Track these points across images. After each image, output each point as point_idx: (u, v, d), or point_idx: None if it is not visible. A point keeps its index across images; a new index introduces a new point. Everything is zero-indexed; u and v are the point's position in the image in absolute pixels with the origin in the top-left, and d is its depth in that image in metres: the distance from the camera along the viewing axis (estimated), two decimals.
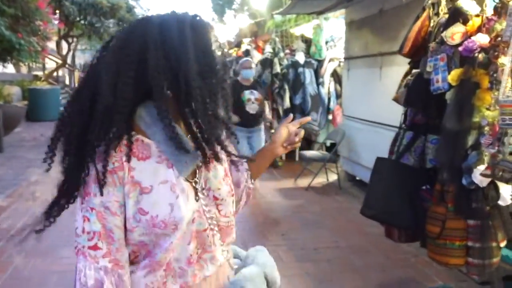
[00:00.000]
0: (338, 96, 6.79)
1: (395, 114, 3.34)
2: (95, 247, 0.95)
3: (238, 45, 10.74)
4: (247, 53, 9.69)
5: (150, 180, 0.98)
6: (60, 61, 15.44)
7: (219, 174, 1.12)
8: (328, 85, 6.77)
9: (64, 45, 15.61)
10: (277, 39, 6.65)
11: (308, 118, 1.46)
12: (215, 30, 1.07)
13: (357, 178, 5.73)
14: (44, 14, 8.19)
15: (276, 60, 6.53)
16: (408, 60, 3.00)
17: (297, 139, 1.28)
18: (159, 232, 0.97)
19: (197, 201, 1.05)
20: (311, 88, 6.57)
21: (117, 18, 13.89)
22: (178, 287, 1.03)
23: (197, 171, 1.07)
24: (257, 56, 7.67)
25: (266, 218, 4.58)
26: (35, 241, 3.45)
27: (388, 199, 2.59)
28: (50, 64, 17.67)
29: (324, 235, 4.12)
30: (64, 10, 12.22)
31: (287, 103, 6.48)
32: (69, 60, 16.36)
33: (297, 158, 7.40)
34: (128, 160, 0.97)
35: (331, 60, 6.81)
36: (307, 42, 6.96)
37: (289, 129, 1.29)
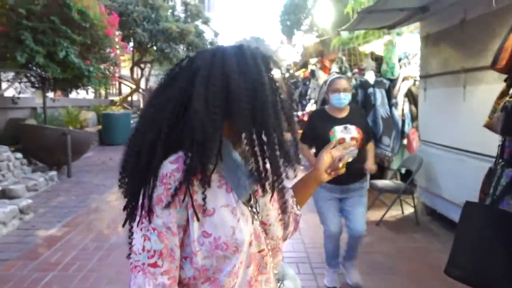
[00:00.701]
0: (414, 118, 6.12)
1: (484, 139, 2.74)
2: (154, 265, 0.99)
3: (304, 65, 10.34)
4: (312, 74, 9.30)
5: (212, 203, 1.02)
6: (134, 86, 16.01)
7: (267, 199, 1.16)
8: (402, 107, 6.12)
9: (138, 71, 16.19)
10: (343, 57, 6.14)
11: (346, 145, 1.33)
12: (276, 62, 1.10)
13: (438, 212, 5.00)
14: (113, 41, 8.37)
15: None
16: (503, 76, 2.42)
17: (340, 164, 1.28)
18: (220, 254, 1.01)
19: (252, 223, 1.09)
20: (382, 110, 5.97)
21: (186, 43, 14.13)
22: None
23: (252, 195, 1.12)
24: (322, 77, 7.20)
25: None
26: (79, 280, 3.20)
27: (481, 256, 2.00)
28: (126, 89, 18.46)
29: (400, 283, 3.51)
30: (136, 37, 12.63)
31: None
32: (143, 85, 16.91)
33: (367, 186, 6.78)
34: (190, 184, 1.00)
35: (405, 78, 6.17)
36: (378, 60, 6.39)
37: (332, 154, 1.29)
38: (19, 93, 8.50)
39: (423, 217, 5.20)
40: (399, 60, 6.18)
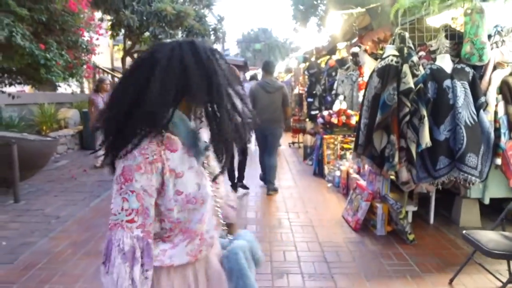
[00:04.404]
0: None
1: None
2: (131, 221, 1.20)
3: (332, 51, 8.20)
4: (354, 58, 7.10)
5: (181, 167, 1.28)
6: None
7: (213, 162, 1.44)
8: (495, 108, 4.06)
9: (131, 61, 14.14)
10: (406, 34, 4.08)
11: None
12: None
13: None
14: (78, 19, 6.29)
15: (405, 68, 3.93)
16: None
17: None
18: (191, 208, 1.29)
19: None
20: (466, 114, 3.90)
21: (185, 28, 12.05)
22: (208, 253, 1.40)
23: (206, 160, 1.40)
24: (369, 64, 5.09)
25: None
26: None
27: None
28: None
29: None
30: (124, 21, 10.56)
31: (426, 139, 3.83)
32: None
33: (431, 221, 4.72)
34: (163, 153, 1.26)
35: (497, 66, 4.11)
36: (453, 37, 4.31)
37: None
38: None
39: None
40: (489, 37, 4.10)
